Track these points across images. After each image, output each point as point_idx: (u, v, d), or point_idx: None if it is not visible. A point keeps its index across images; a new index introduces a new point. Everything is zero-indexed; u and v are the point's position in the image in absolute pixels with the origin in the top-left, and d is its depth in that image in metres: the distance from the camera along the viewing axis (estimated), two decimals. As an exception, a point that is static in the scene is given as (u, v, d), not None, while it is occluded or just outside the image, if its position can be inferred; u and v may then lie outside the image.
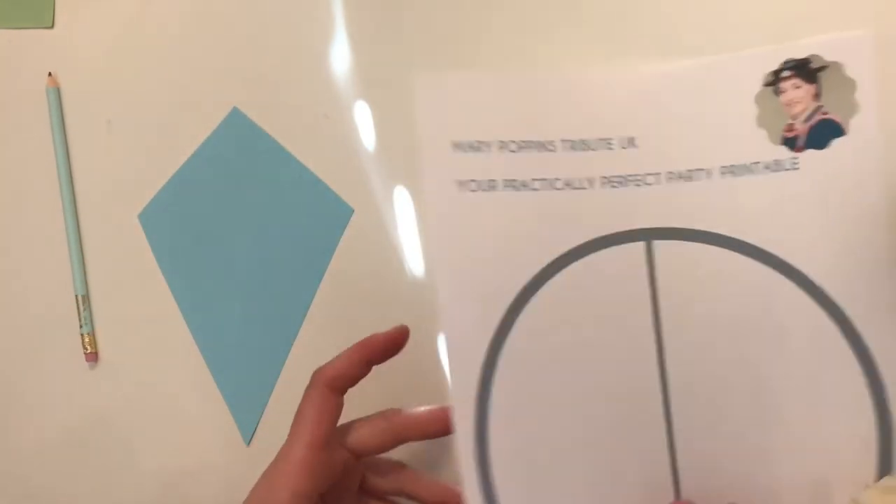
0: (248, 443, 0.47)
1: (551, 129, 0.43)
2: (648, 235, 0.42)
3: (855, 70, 0.41)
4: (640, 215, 0.42)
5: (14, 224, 0.50)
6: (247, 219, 0.49)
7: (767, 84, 0.42)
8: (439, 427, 0.41)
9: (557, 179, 0.42)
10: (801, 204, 0.41)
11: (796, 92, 0.42)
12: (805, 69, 0.42)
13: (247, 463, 0.47)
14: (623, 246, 0.42)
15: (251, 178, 0.49)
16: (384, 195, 0.48)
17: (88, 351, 0.48)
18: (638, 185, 0.42)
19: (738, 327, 0.41)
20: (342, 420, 0.41)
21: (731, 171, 0.42)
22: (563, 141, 0.42)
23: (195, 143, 0.49)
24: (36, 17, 0.50)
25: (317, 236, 0.48)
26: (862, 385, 0.40)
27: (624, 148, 0.42)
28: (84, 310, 0.48)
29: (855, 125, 0.41)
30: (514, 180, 0.42)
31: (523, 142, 0.42)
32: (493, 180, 0.42)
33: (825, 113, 0.41)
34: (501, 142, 0.42)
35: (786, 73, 0.42)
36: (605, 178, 0.42)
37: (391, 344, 0.42)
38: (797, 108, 0.42)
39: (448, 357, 0.41)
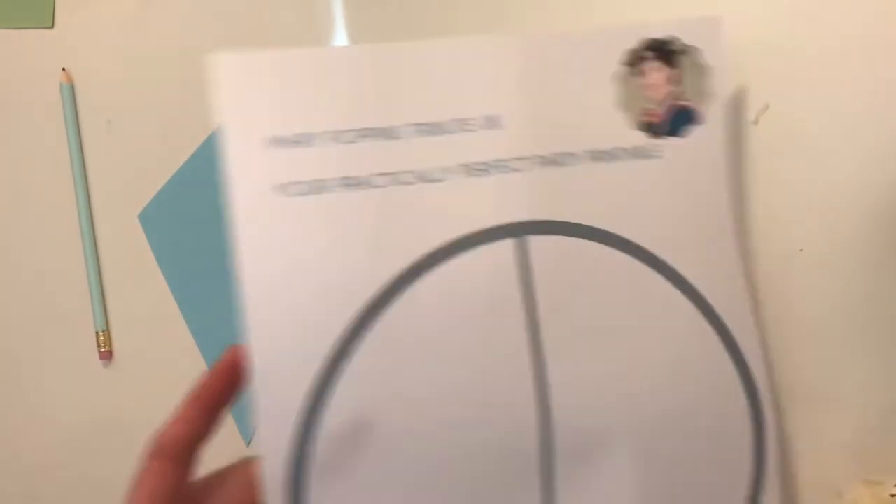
0: (248, 443, 0.47)
1: (395, 112, 0.36)
2: (520, 231, 0.37)
3: (711, 55, 0.39)
4: (508, 208, 0.37)
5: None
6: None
7: (627, 64, 0.39)
8: None
9: (407, 172, 0.36)
10: (664, 195, 0.38)
11: (657, 75, 0.39)
12: (665, 51, 0.39)
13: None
14: (490, 245, 0.37)
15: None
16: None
17: (103, 349, 0.48)
18: (504, 173, 0.37)
19: (616, 327, 0.38)
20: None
21: (598, 156, 0.38)
22: (410, 125, 0.36)
23: (195, 142, 0.49)
24: (35, 18, 0.50)
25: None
26: (733, 373, 0.39)
27: (486, 129, 0.37)
28: (98, 306, 0.48)
29: (711, 114, 0.39)
30: (350, 178, 0.36)
31: (361, 130, 0.36)
32: (323, 180, 0.35)
33: (682, 99, 0.39)
34: (332, 132, 0.36)
35: (648, 55, 0.39)
36: (464, 165, 0.36)
37: (227, 377, 0.34)
38: (656, 93, 0.39)
39: (259, 411, 0.34)
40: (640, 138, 0.39)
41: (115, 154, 0.50)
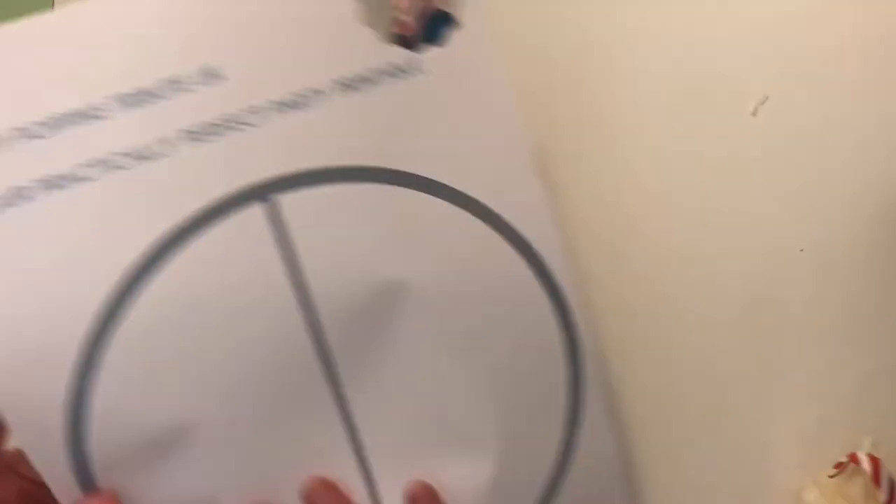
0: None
1: (89, 87, 0.31)
2: (265, 191, 0.33)
3: None
4: (250, 169, 0.32)
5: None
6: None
7: None
8: None
9: (120, 155, 0.31)
10: (434, 114, 0.35)
11: None
12: None
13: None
14: (238, 214, 0.33)
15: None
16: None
17: None
18: (236, 130, 0.32)
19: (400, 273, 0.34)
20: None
21: (349, 85, 0.33)
22: (112, 98, 0.31)
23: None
24: (35, 8, 0.50)
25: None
26: (549, 315, 0.37)
27: (205, 84, 0.32)
28: None
29: (468, 15, 0.35)
30: (51, 177, 0.30)
31: (51, 117, 0.30)
32: (19, 187, 0.30)
33: (433, 4, 0.35)
34: (16, 128, 0.30)
35: None
36: (187, 132, 0.32)
37: None
38: (402, 1, 0.35)
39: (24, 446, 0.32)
40: (395, 54, 0.34)
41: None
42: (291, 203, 0.33)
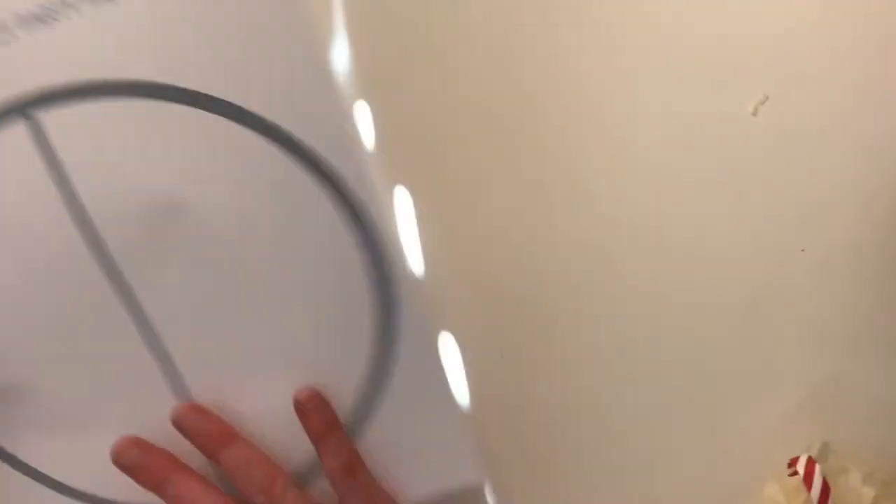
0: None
1: None
2: (27, 107, 0.31)
3: None
4: (4, 84, 0.31)
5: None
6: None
7: None
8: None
9: None
10: (209, 24, 0.32)
11: None
12: None
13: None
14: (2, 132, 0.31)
15: (250, 178, 0.49)
16: (384, 195, 0.48)
17: None
18: None
19: (174, 184, 0.33)
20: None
21: None
22: None
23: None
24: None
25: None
26: (344, 232, 0.35)
27: None
28: None
29: None
30: None
31: None
32: None
33: None
34: None
35: None
36: None
37: None
38: None
39: None
40: None
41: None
42: (55, 120, 0.31)
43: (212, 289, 0.35)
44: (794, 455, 0.42)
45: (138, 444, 0.36)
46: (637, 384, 0.44)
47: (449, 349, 0.46)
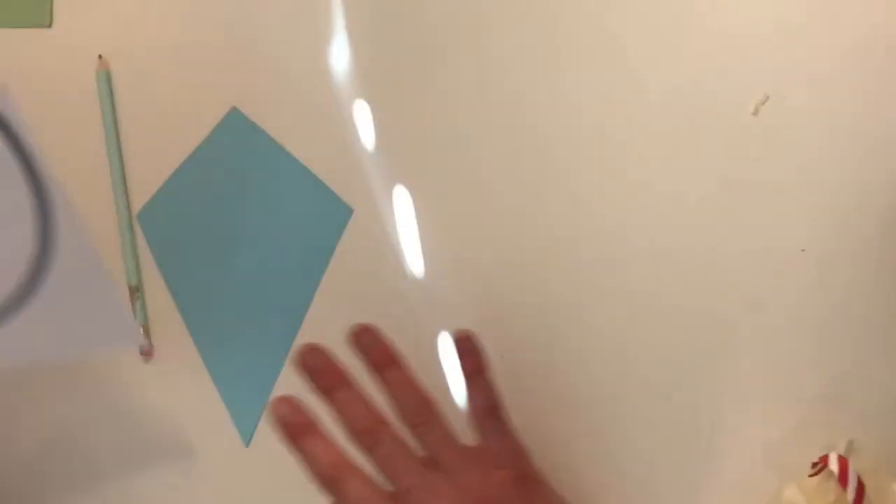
0: (248, 444, 0.47)
1: None
2: None
3: None
4: None
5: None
6: (246, 219, 0.49)
7: None
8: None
9: None
10: None
11: None
12: None
13: (246, 464, 0.47)
14: None
15: (250, 177, 0.49)
16: (384, 195, 0.48)
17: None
18: None
19: None
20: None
21: None
22: None
23: (194, 142, 0.49)
24: (34, 17, 0.50)
25: (316, 236, 0.48)
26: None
27: None
28: (137, 300, 0.48)
29: None
30: None
31: None
32: None
33: None
34: None
35: None
36: None
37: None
38: None
39: None
40: None
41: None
42: None
43: None
44: (805, 456, 0.42)
45: (322, 350, 0.40)
46: (637, 384, 0.44)
47: (448, 349, 0.46)
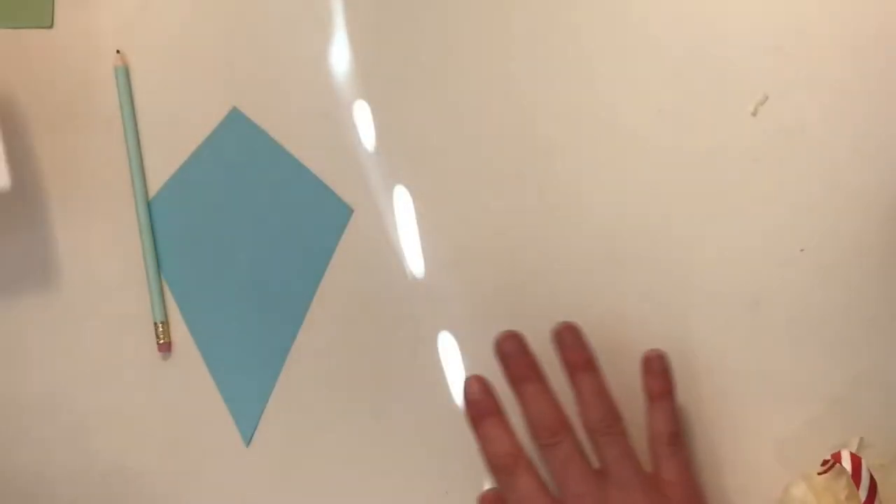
0: (248, 444, 0.47)
1: None
2: None
3: None
4: None
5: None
6: (246, 219, 0.49)
7: None
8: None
9: None
10: None
11: None
12: None
13: (246, 464, 0.47)
14: None
15: (250, 178, 0.49)
16: (384, 195, 0.48)
17: (161, 341, 0.48)
18: None
19: None
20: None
21: None
22: None
23: (194, 143, 0.49)
24: (35, 18, 0.50)
25: (316, 236, 0.48)
26: None
27: None
28: (156, 296, 0.48)
29: None
30: None
31: None
32: None
33: None
34: None
35: None
36: None
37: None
38: None
39: None
40: None
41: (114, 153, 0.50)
42: None
43: None
44: (814, 455, 0.42)
45: (520, 338, 0.41)
46: (638, 385, 0.44)
47: (449, 349, 0.46)
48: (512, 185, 0.47)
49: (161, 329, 0.47)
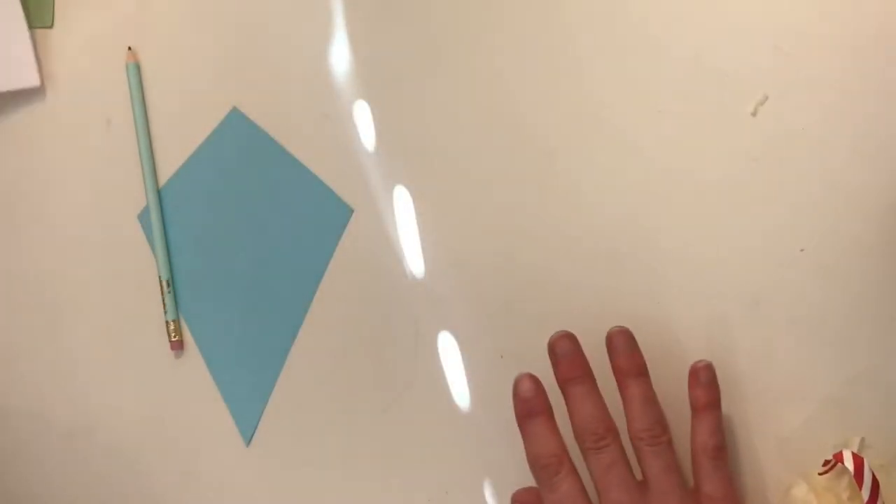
0: (248, 444, 0.47)
1: None
2: None
3: None
4: None
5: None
6: (246, 219, 0.49)
7: None
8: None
9: None
10: None
11: None
12: None
13: (246, 464, 0.47)
14: None
15: (251, 178, 0.49)
16: (384, 195, 0.48)
17: (174, 339, 0.48)
18: None
19: None
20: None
21: None
22: None
23: (194, 143, 0.49)
24: (36, 17, 0.50)
25: (317, 236, 0.48)
26: None
27: None
28: (168, 294, 0.48)
29: None
30: None
31: None
32: None
33: None
34: None
35: None
36: None
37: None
38: None
39: None
40: None
41: (115, 154, 0.50)
42: None
43: None
44: (815, 455, 0.42)
45: (573, 339, 0.41)
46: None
47: (449, 349, 0.46)
48: (512, 186, 0.47)
49: (173, 327, 0.47)
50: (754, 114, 0.44)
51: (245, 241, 0.48)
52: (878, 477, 0.40)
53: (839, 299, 0.44)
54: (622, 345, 0.41)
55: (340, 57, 0.49)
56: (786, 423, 0.43)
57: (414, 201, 0.47)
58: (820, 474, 0.41)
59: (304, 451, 0.47)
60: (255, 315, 0.48)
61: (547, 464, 0.40)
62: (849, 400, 0.43)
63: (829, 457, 0.41)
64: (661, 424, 0.40)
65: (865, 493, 0.39)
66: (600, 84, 0.46)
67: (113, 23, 0.50)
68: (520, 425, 0.41)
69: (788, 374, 0.44)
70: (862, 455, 0.40)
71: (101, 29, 0.50)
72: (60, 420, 0.48)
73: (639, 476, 0.40)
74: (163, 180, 0.49)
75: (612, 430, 0.40)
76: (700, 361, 0.42)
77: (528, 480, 0.41)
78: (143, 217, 0.49)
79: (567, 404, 0.41)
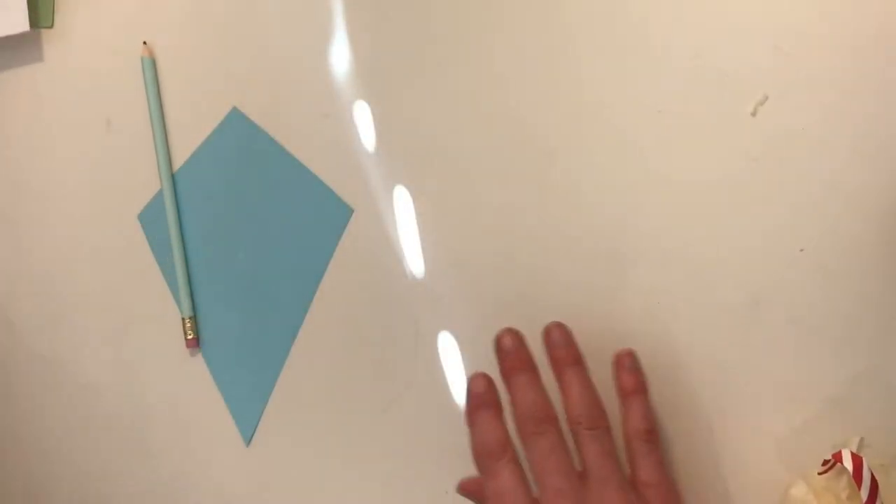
0: (248, 443, 0.47)
1: None
2: None
3: None
4: None
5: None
6: (246, 219, 0.49)
7: None
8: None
9: None
10: None
11: None
12: None
13: (246, 464, 0.47)
14: None
15: (251, 178, 0.49)
16: (384, 195, 0.48)
17: (189, 337, 0.48)
18: None
19: None
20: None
21: None
22: None
23: (195, 143, 0.49)
24: (36, 18, 0.50)
25: (317, 236, 0.48)
26: None
27: None
28: (185, 291, 0.48)
29: None
30: None
31: None
32: None
33: None
34: None
35: None
36: None
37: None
38: None
39: None
40: None
41: (115, 153, 0.50)
42: None
43: None
44: (814, 455, 0.41)
45: (517, 334, 0.42)
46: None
47: (449, 349, 0.46)
48: (512, 186, 0.47)
49: (188, 325, 0.47)
50: (754, 114, 0.44)
51: (245, 242, 0.49)
52: (876, 477, 0.40)
53: (839, 299, 0.44)
54: (559, 338, 0.42)
55: (340, 57, 0.49)
56: (785, 423, 0.43)
57: (414, 201, 0.47)
58: (819, 474, 0.41)
59: (304, 451, 0.47)
60: (255, 315, 0.48)
61: (490, 451, 0.39)
62: (848, 400, 0.43)
63: (829, 456, 0.41)
64: (598, 409, 0.40)
65: (864, 493, 0.39)
66: (600, 84, 0.46)
67: (114, 23, 0.50)
68: (467, 417, 0.41)
69: (788, 374, 0.44)
70: (861, 455, 0.40)
71: (101, 29, 0.50)
72: (61, 420, 0.48)
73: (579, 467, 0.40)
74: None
75: (552, 417, 0.40)
76: (623, 349, 0.42)
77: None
78: (144, 217, 0.49)
79: (510, 394, 0.41)
